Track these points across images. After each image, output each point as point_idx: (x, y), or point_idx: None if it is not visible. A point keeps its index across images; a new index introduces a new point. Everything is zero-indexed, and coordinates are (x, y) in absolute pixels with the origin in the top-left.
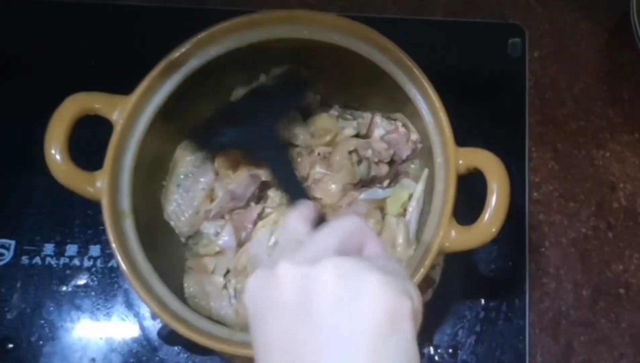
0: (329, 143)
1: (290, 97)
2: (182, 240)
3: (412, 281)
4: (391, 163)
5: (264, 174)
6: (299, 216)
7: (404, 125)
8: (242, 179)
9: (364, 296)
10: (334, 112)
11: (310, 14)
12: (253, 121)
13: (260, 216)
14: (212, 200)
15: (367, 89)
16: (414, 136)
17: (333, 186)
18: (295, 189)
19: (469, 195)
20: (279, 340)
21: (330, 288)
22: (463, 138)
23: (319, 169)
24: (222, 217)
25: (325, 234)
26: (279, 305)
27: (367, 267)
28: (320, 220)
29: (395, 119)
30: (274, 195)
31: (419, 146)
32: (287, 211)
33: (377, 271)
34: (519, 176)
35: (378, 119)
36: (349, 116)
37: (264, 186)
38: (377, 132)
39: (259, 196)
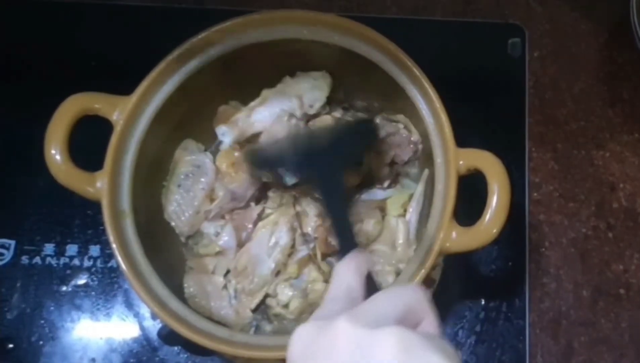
0: None
1: (358, 144)
2: (182, 239)
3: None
4: (392, 164)
5: (265, 176)
6: (353, 267)
7: (405, 127)
8: (242, 180)
9: None
10: (337, 114)
11: (310, 14)
12: (316, 155)
13: (260, 217)
14: (212, 200)
15: (367, 90)
16: (415, 138)
17: None
18: (347, 235)
19: (470, 196)
20: None
21: (392, 359)
22: (463, 138)
23: None
24: (223, 217)
25: (389, 297)
26: (331, 360)
27: (431, 347)
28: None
29: (397, 121)
30: (275, 196)
31: (420, 148)
32: (340, 260)
33: (440, 353)
34: (519, 176)
35: (379, 120)
36: (350, 118)
37: (264, 187)
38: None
39: (259, 197)
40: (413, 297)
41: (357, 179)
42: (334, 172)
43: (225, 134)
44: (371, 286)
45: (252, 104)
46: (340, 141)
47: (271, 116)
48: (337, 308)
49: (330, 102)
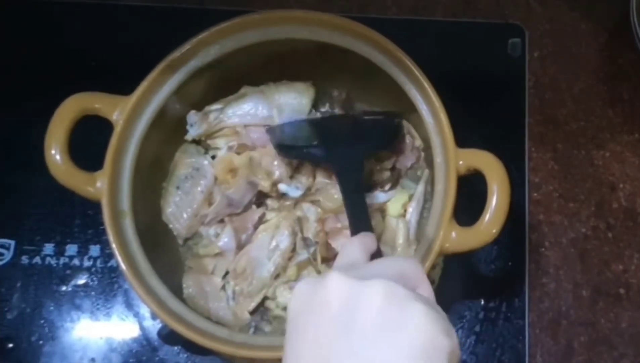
0: None
1: (382, 137)
2: (180, 242)
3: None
4: (393, 168)
5: (262, 186)
6: (361, 245)
7: (408, 133)
8: (240, 186)
9: (408, 323)
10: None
11: (310, 14)
12: (338, 142)
13: (261, 220)
14: (210, 204)
15: (367, 92)
16: (418, 144)
17: (335, 191)
18: (361, 218)
19: (470, 196)
20: (313, 345)
21: (377, 307)
22: (463, 138)
23: (320, 179)
24: (221, 221)
25: (383, 263)
26: (322, 311)
27: (417, 298)
28: (378, 255)
29: None
30: (272, 203)
31: (422, 154)
32: (349, 239)
33: (425, 304)
34: (518, 176)
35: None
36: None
37: (261, 195)
38: None
39: (259, 203)
40: (408, 265)
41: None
42: (354, 158)
43: (194, 125)
44: None
45: (230, 97)
46: (364, 129)
47: (246, 114)
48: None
49: (332, 103)
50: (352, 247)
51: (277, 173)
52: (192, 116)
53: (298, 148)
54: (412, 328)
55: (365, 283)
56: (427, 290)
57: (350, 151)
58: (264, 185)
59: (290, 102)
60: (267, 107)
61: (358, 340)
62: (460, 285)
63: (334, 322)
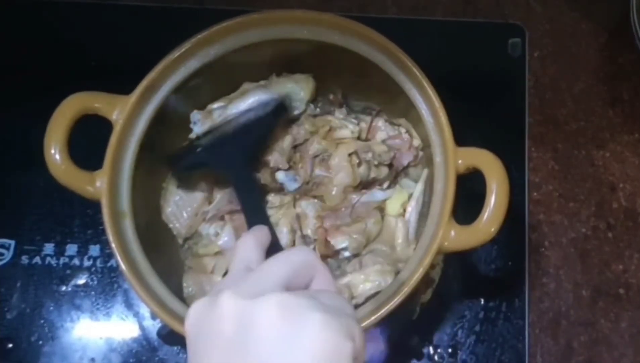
0: (325, 136)
1: (264, 121)
2: (180, 241)
3: (356, 320)
4: (391, 165)
5: (262, 178)
6: (252, 240)
7: (407, 131)
8: None
9: (304, 336)
10: (339, 115)
11: (310, 14)
12: (222, 143)
13: None
14: (210, 203)
15: (367, 91)
16: (416, 143)
17: (333, 188)
18: (257, 214)
19: (469, 195)
20: None
21: (270, 325)
22: (463, 137)
23: (318, 172)
24: (221, 219)
25: (274, 264)
26: (217, 336)
27: (311, 306)
28: (275, 248)
29: (399, 125)
30: (274, 199)
31: (421, 153)
32: (242, 236)
33: (320, 311)
34: (518, 176)
35: (380, 123)
36: (353, 120)
37: (262, 190)
38: (379, 135)
39: None
40: (300, 258)
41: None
42: (240, 160)
43: (197, 123)
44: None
45: (232, 95)
46: (244, 128)
47: (250, 110)
48: (229, 283)
49: (331, 103)
50: (245, 246)
51: (272, 161)
52: (196, 115)
53: (180, 158)
54: (311, 342)
55: (257, 301)
56: (324, 278)
57: (232, 153)
58: (263, 176)
59: (289, 93)
60: (266, 98)
61: (254, 360)
62: (460, 285)
63: (229, 344)
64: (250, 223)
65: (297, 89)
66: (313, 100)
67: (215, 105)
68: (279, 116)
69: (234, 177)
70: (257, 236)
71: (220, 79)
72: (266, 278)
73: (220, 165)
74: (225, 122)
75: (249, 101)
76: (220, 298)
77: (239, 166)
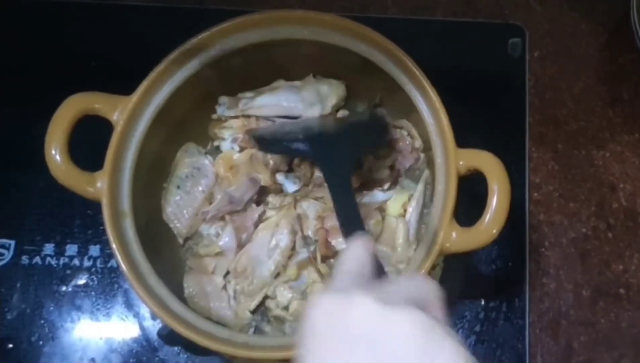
0: None
1: (370, 136)
2: (180, 241)
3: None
4: (392, 167)
5: (263, 179)
6: (363, 245)
7: (408, 133)
8: (241, 183)
9: (441, 359)
10: (339, 115)
11: (310, 14)
12: (324, 142)
13: (261, 218)
14: (211, 203)
15: (367, 92)
16: (418, 145)
17: None
18: (351, 216)
19: (470, 196)
20: (340, 360)
21: (408, 338)
22: (463, 138)
23: (318, 174)
24: (222, 219)
25: (402, 282)
26: (349, 331)
27: (447, 332)
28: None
29: (400, 127)
30: (274, 200)
31: (422, 156)
32: (351, 241)
33: (455, 339)
34: (519, 176)
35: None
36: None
37: (262, 191)
38: None
39: (258, 201)
40: (426, 287)
41: (359, 179)
42: (340, 158)
43: (223, 105)
44: (377, 268)
45: (263, 88)
46: (352, 131)
47: (274, 105)
48: (350, 282)
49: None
50: (358, 249)
51: (271, 162)
52: (223, 98)
53: (279, 142)
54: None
55: (393, 310)
56: (440, 313)
57: (336, 152)
58: (264, 178)
59: (324, 95)
60: (295, 100)
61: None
62: (461, 285)
63: (363, 346)
64: (344, 224)
65: (329, 92)
66: (340, 107)
67: (246, 94)
68: (386, 135)
69: (332, 174)
70: (366, 241)
71: (220, 79)
72: (398, 292)
73: (322, 159)
74: (328, 119)
75: (275, 98)
76: (355, 297)
77: (342, 164)
